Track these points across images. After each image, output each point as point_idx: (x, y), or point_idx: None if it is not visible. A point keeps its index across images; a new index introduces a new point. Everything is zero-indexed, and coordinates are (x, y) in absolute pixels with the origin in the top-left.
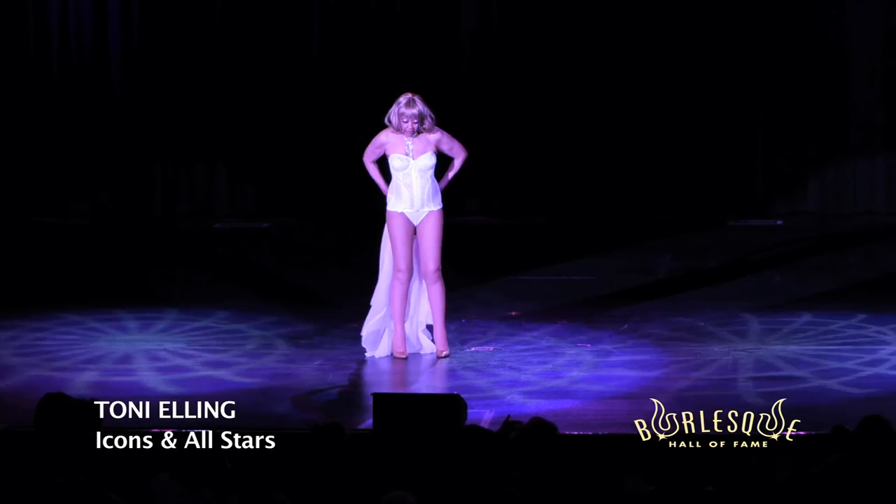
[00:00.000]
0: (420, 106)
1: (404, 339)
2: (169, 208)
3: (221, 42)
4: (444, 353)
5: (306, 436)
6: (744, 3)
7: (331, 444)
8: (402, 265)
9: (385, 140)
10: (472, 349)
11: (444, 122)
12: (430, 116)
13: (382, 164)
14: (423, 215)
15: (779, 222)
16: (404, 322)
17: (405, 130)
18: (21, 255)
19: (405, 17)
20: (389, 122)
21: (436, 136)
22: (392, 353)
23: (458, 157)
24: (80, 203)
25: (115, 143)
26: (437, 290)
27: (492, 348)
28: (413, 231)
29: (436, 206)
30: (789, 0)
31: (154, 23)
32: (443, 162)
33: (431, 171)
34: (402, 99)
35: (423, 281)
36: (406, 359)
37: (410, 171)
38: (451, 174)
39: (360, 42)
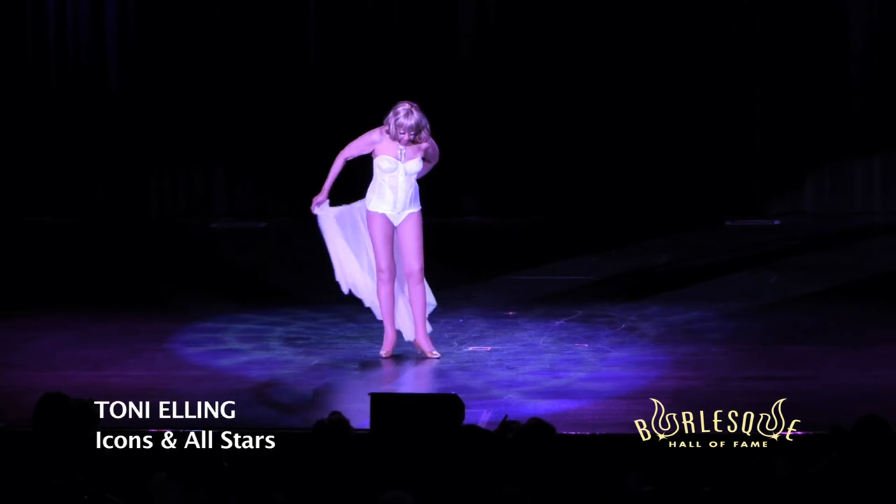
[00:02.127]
0: (417, 116)
1: (394, 339)
2: (166, 208)
3: (219, 44)
4: (435, 355)
5: (308, 435)
6: (741, 3)
7: (336, 440)
8: (384, 265)
9: (377, 140)
10: (470, 349)
11: (442, 122)
12: (427, 128)
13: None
14: (404, 217)
15: (776, 222)
16: (394, 321)
17: (402, 140)
18: (24, 254)
19: (402, 18)
20: (387, 125)
21: (426, 145)
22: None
23: (432, 162)
24: (77, 203)
25: (113, 144)
26: (420, 290)
27: (489, 348)
28: (392, 232)
29: (416, 207)
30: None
31: (152, 24)
32: None
33: (416, 176)
34: (401, 109)
35: (406, 281)
36: (390, 358)
37: (398, 174)
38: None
39: (357, 43)
